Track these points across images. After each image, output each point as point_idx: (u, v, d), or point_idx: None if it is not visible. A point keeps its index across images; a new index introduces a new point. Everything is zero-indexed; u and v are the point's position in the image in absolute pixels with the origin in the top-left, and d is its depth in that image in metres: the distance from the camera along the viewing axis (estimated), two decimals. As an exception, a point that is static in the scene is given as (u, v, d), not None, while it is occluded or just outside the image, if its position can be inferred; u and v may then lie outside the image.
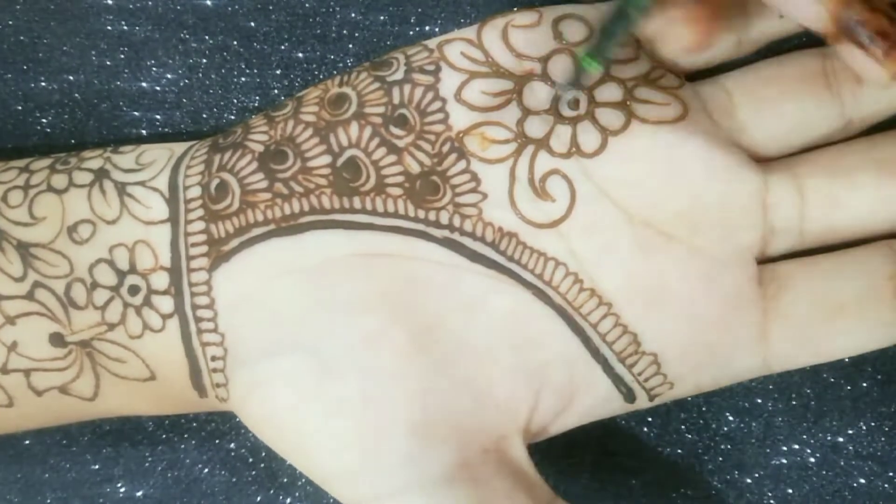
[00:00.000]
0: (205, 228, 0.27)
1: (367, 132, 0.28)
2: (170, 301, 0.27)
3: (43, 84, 0.32)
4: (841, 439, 0.32)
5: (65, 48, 0.32)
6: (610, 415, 0.28)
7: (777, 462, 0.32)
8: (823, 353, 0.28)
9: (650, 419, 0.32)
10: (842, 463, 0.32)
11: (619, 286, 0.27)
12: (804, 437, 0.32)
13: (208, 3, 0.31)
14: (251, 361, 0.26)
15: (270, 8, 0.31)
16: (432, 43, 0.29)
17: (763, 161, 0.29)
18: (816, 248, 0.29)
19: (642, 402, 0.28)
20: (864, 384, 0.32)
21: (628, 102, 0.28)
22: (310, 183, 0.27)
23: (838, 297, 0.28)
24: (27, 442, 0.33)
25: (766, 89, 0.28)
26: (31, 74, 0.32)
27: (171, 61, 0.32)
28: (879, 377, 0.32)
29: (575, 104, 0.28)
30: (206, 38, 0.32)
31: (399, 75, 0.28)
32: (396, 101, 0.28)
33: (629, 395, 0.28)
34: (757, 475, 0.32)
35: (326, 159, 0.28)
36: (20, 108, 0.32)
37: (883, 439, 0.32)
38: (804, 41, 0.29)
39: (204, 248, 0.27)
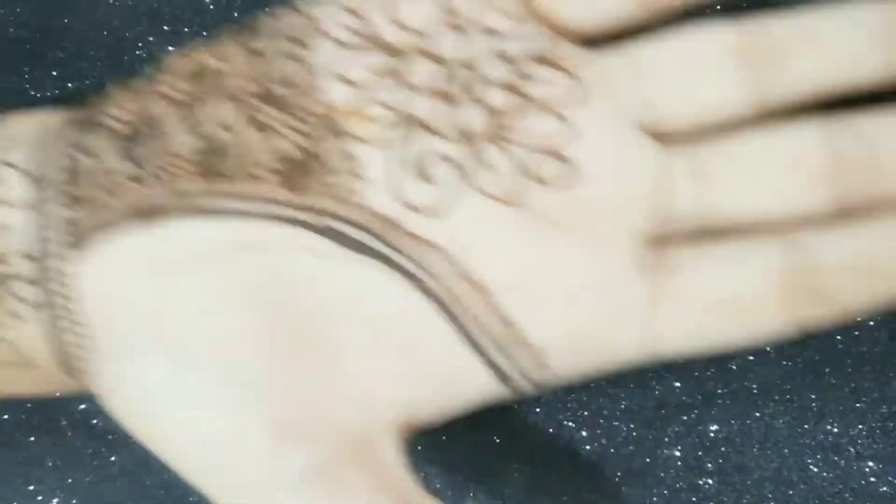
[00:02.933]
0: (65, 213, 0.26)
1: (233, 109, 0.26)
2: (35, 289, 0.26)
3: (41, 80, 0.32)
4: (842, 441, 0.32)
5: (63, 45, 0.32)
6: (493, 402, 0.27)
7: (777, 464, 0.32)
8: (709, 343, 0.27)
9: (649, 422, 0.32)
10: (843, 464, 0.32)
11: (501, 275, 0.26)
12: (805, 438, 0.32)
13: (206, -1, 0.32)
14: (112, 357, 0.25)
15: (270, 1, 0.31)
16: (305, 6, 0.27)
17: (668, 139, 0.27)
18: (714, 233, 0.27)
19: (525, 389, 0.27)
20: (866, 385, 0.32)
21: (516, 80, 0.26)
22: (170, 165, 0.25)
23: (727, 288, 0.26)
24: (26, 442, 0.33)
25: (676, 64, 0.27)
26: (29, 70, 0.32)
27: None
28: (881, 378, 0.32)
29: (459, 82, 0.26)
30: (205, 34, 0.32)
31: (268, 44, 0.26)
32: (264, 73, 0.26)
33: (512, 385, 0.27)
34: (757, 476, 0.32)
35: (188, 139, 0.26)
36: (15, 104, 0.32)
37: (884, 441, 0.32)
38: (718, 8, 0.29)
39: (65, 235, 0.26)
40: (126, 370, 0.25)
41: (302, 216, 0.25)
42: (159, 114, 0.26)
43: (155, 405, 0.25)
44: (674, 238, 0.27)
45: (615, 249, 0.26)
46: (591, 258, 0.26)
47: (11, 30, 0.32)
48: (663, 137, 0.27)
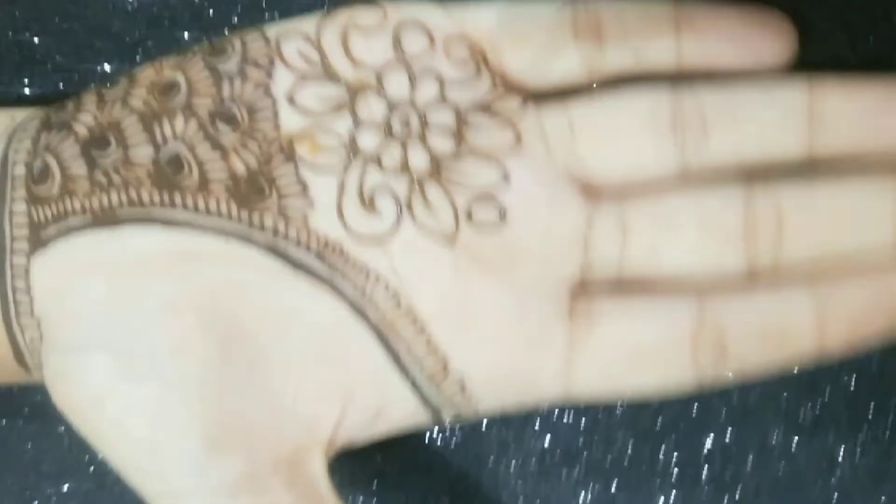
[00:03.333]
0: (26, 210, 0.27)
1: (193, 126, 0.27)
2: None
3: (38, 85, 0.32)
4: (837, 453, 0.32)
5: (61, 48, 0.32)
6: (418, 426, 0.29)
7: (773, 475, 0.32)
8: (621, 391, 0.28)
9: (646, 432, 0.32)
10: (838, 477, 0.32)
11: (434, 308, 0.27)
12: (800, 450, 0.32)
13: (204, 2, 0.31)
14: (58, 351, 0.26)
15: (263, 6, 0.31)
16: (272, 32, 0.28)
17: (596, 193, 0.29)
18: (633, 286, 0.29)
19: (448, 418, 0.28)
20: (862, 399, 0.32)
21: (459, 127, 0.28)
22: (130, 174, 0.27)
23: (642, 341, 0.28)
24: (22, 449, 0.33)
25: (609, 124, 0.28)
26: (27, 76, 0.32)
27: (167, 62, 0.32)
28: (877, 392, 0.32)
29: (406, 123, 0.27)
30: (201, 37, 0.32)
31: (232, 66, 0.27)
32: (226, 94, 0.27)
33: (435, 413, 0.28)
34: (753, 488, 0.32)
35: (149, 150, 0.27)
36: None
37: (879, 454, 0.32)
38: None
39: (25, 231, 0.27)
40: (71, 364, 0.26)
41: (248, 232, 0.27)
42: (124, 123, 0.27)
43: (95, 401, 0.26)
44: (595, 288, 0.29)
45: (540, 294, 0.28)
46: (516, 300, 0.28)
47: (10, 33, 0.32)
48: (592, 191, 0.29)
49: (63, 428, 0.33)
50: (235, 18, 0.31)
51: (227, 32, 0.31)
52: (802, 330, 0.28)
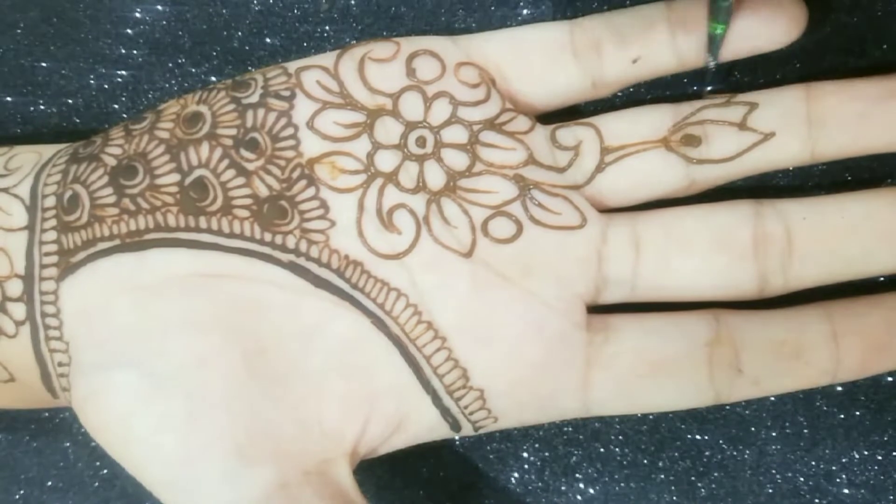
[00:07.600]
0: (56, 238, 0.28)
1: (217, 153, 0.28)
2: (23, 308, 0.28)
3: (42, 107, 0.32)
4: (834, 468, 0.32)
5: (63, 72, 0.32)
6: (437, 438, 0.29)
7: (770, 490, 0.32)
8: (639, 406, 0.29)
9: (643, 447, 0.32)
10: (834, 491, 0.32)
11: (454, 322, 0.28)
12: (797, 465, 0.32)
13: (204, 27, 0.32)
14: (88, 372, 0.27)
15: (265, 32, 0.32)
16: (291, 67, 0.29)
17: (607, 210, 0.29)
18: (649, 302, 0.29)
19: (467, 431, 0.29)
20: (857, 413, 0.32)
21: (472, 145, 0.28)
22: (157, 200, 0.27)
23: (657, 355, 0.28)
24: (28, 464, 0.33)
25: (615, 142, 0.29)
26: (31, 98, 0.32)
27: (167, 84, 0.32)
28: (872, 406, 0.32)
29: (422, 143, 0.28)
30: (202, 61, 0.32)
31: (254, 98, 0.28)
32: (249, 124, 0.28)
33: (455, 425, 0.29)
34: (750, 502, 0.32)
35: (175, 177, 0.28)
36: (19, 130, 0.33)
37: (876, 468, 0.32)
38: (661, 91, 0.30)
39: (55, 258, 0.28)
40: (99, 384, 0.27)
41: (271, 252, 0.27)
42: (151, 153, 0.28)
43: (124, 419, 0.26)
44: (612, 303, 0.29)
45: (557, 307, 0.28)
46: (534, 314, 0.28)
47: (12, 55, 0.32)
48: (602, 206, 0.29)
49: (69, 444, 0.33)
50: (235, 41, 0.32)
51: (225, 53, 0.32)
52: (818, 351, 0.28)
